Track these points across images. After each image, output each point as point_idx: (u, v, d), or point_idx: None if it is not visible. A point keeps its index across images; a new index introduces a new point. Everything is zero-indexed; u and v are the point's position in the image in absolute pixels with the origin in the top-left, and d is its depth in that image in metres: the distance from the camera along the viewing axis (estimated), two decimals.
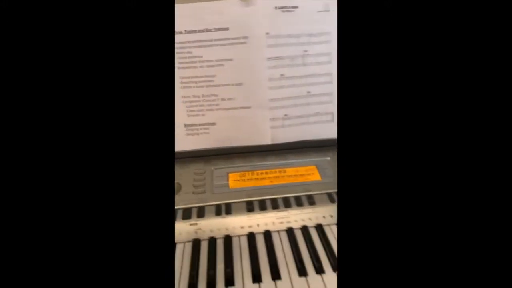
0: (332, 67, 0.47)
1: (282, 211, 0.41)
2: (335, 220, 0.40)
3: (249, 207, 0.41)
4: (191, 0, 0.44)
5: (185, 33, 0.45)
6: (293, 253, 0.37)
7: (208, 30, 0.45)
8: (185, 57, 0.46)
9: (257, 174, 0.46)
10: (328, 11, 0.46)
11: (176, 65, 0.46)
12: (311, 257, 0.36)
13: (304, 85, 0.48)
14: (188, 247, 0.38)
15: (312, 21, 0.46)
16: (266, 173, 0.46)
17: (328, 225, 0.40)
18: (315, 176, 0.46)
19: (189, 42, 0.45)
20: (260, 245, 0.38)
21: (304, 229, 0.39)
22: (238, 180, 0.45)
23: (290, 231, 0.39)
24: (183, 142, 0.47)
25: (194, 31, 0.45)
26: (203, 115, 0.47)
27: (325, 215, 0.41)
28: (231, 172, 0.46)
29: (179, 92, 0.46)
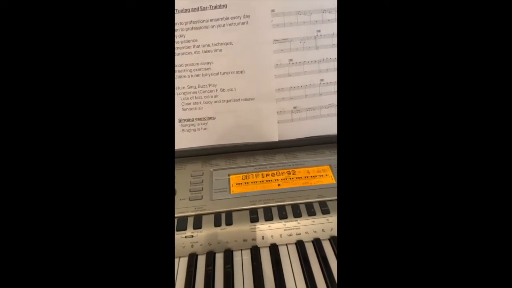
0: None
1: (291, 221, 0.35)
2: None
3: (253, 217, 0.36)
4: None
5: (177, 13, 0.39)
6: (303, 271, 0.32)
7: (203, 9, 0.38)
8: (178, 42, 0.39)
9: (262, 176, 0.40)
10: None
11: None
12: (323, 275, 0.31)
13: (317, 71, 0.41)
14: (183, 263, 0.33)
15: None
16: (273, 174, 0.41)
17: None
18: (329, 179, 0.40)
19: (181, 23, 0.39)
20: (265, 261, 0.33)
21: (317, 242, 0.34)
22: (241, 184, 0.40)
23: (300, 245, 0.34)
24: (178, 139, 0.42)
25: (187, 10, 0.38)
26: (200, 108, 0.41)
27: None
28: (232, 174, 0.41)
29: None
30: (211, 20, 0.39)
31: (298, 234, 0.35)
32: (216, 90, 0.41)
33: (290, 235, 0.35)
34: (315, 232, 0.35)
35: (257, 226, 0.35)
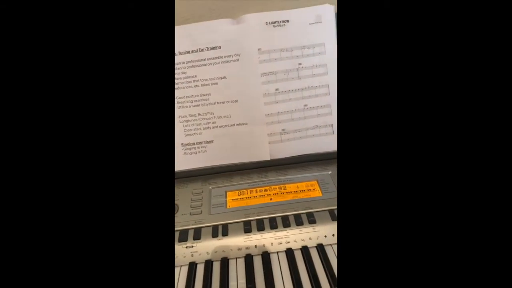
0: (329, 79, 0.46)
1: (281, 231, 0.39)
2: (336, 239, 0.38)
3: (247, 228, 0.39)
4: (183, 21, 0.45)
5: (179, 54, 0.46)
6: (292, 276, 0.35)
7: (201, 50, 0.46)
8: (180, 78, 0.46)
9: (256, 191, 0.45)
10: (320, 22, 0.45)
11: None
12: (310, 279, 0.34)
13: (300, 98, 0.47)
14: (184, 271, 0.37)
15: (304, 33, 0.45)
16: (266, 190, 0.45)
17: (330, 244, 0.38)
18: (316, 192, 0.44)
19: (183, 63, 0.46)
20: (257, 267, 0.36)
21: (304, 250, 0.38)
22: (237, 199, 0.44)
23: (289, 252, 0.38)
24: (181, 161, 0.47)
25: (188, 52, 0.46)
26: (200, 133, 0.47)
27: (326, 234, 0.39)
28: (229, 191, 0.45)
29: (176, 112, 0.47)
30: (208, 59, 0.46)
31: (288, 242, 0.38)
32: (214, 117, 0.47)
33: (280, 243, 0.38)
34: (303, 240, 0.38)
35: (250, 236, 0.39)
